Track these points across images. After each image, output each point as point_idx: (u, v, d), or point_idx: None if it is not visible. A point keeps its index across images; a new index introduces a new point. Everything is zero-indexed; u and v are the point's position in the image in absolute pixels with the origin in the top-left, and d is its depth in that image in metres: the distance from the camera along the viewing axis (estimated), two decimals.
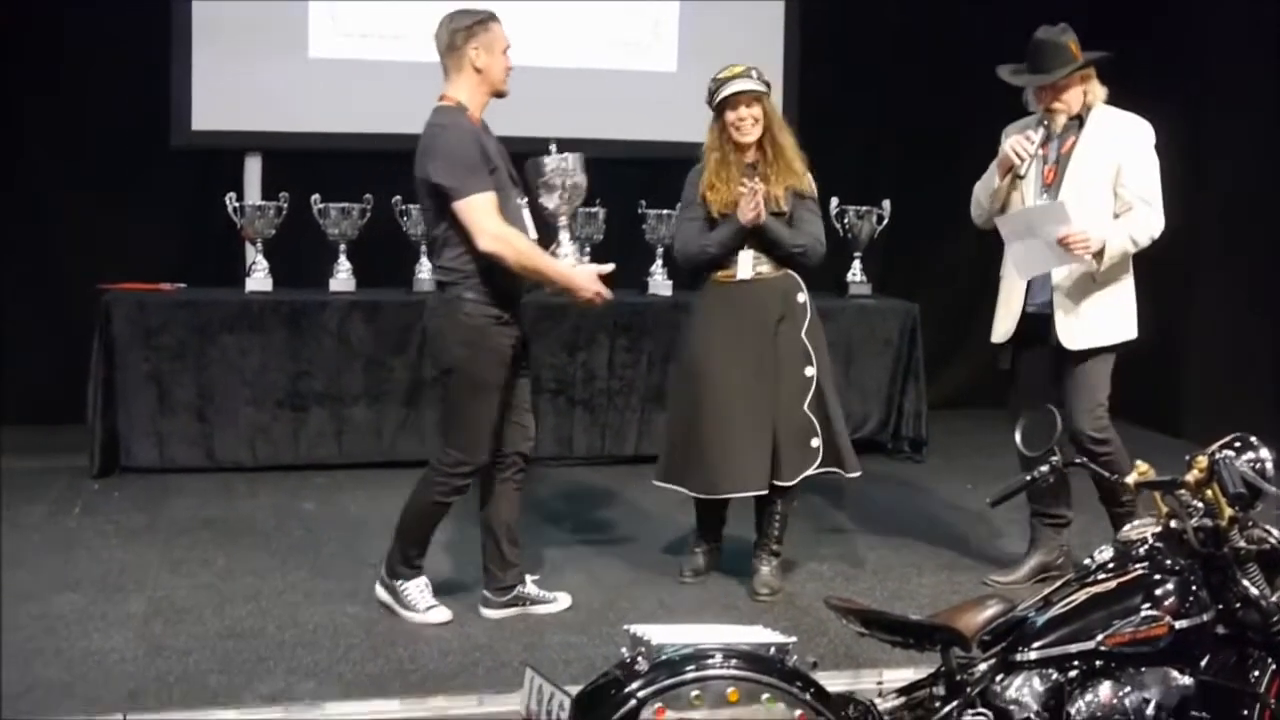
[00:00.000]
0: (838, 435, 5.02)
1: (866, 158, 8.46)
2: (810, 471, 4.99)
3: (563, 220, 4.71)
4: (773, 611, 4.86)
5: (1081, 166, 4.88)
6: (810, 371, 4.99)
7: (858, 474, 5.11)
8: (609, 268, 4.69)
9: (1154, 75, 8.32)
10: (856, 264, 7.48)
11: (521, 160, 4.68)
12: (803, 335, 5.00)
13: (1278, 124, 7.31)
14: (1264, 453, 2.92)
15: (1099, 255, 4.80)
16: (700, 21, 7.92)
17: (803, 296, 5.01)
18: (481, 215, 4.35)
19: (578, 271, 4.60)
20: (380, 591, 4.77)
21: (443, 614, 4.69)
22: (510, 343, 4.55)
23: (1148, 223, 4.88)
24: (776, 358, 4.96)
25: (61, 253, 7.42)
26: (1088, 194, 4.85)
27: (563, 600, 4.85)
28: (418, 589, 4.71)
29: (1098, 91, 4.94)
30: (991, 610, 2.91)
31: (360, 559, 5.31)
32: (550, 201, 4.69)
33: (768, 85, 4.97)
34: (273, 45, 7.49)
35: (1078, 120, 4.94)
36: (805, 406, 4.96)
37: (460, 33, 4.46)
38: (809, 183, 5.03)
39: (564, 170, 4.67)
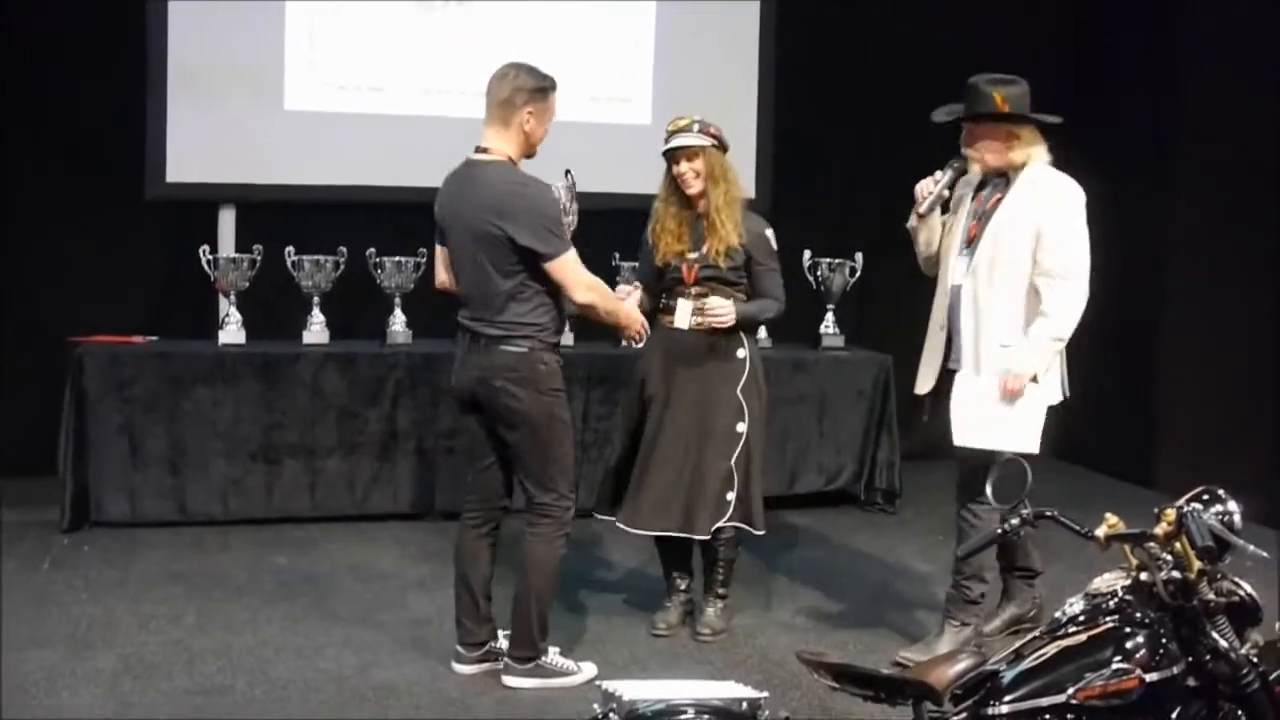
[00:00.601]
0: (754, 493, 5.09)
1: (840, 209, 8.51)
2: (721, 523, 5.03)
3: None
4: (745, 665, 4.86)
5: (1001, 226, 4.74)
6: (741, 427, 5.04)
7: (762, 533, 5.18)
8: (637, 294, 4.91)
9: (1121, 131, 8.46)
10: (830, 316, 7.50)
11: None
12: (738, 391, 5.04)
13: (1243, 178, 7.38)
14: (1231, 505, 2.93)
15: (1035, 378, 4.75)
16: (674, 75, 7.96)
17: (743, 352, 5.08)
18: (575, 270, 4.49)
19: (634, 310, 4.78)
20: (520, 681, 4.59)
21: (591, 667, 4.71)
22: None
23: (1065, 306, 4.69)
24: (708, 409, 5.02)
25: (33, 304, 7.38)
26: (1003, 255, 4.73)
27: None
28: (556, 654, 4.69)
29: (1034, 152, 4.78)
30: (963, 664, 2.90)
31: (332, 613, 5.29)
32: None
33: (716, 139, 5.03)
34: (248, 96, 7.49)
35: (1004, 178, 4.82)
36: (732, 460, 5.01)
37: (522, 93, 4.52)
38: (766, 239, 5.10)
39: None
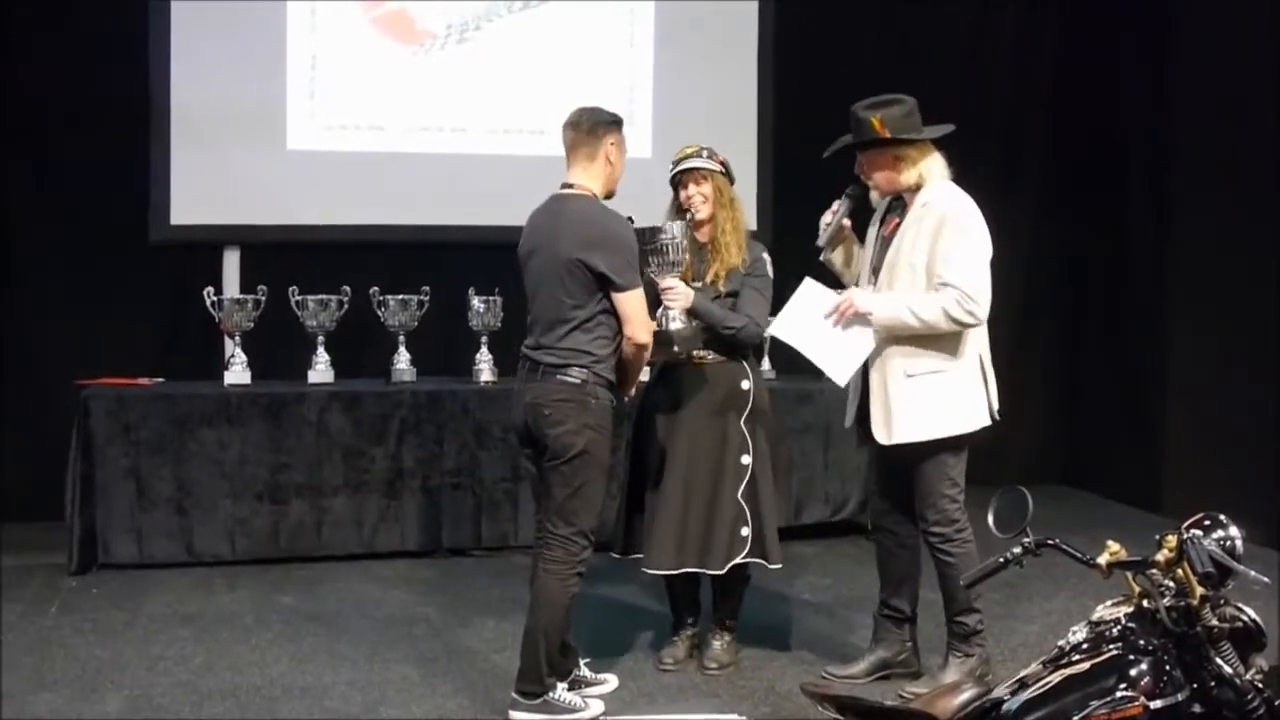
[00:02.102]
0: (766, 526, 5.04)
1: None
2: (738, 560, 5.00)
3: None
4: (753, 698, 4.85)
5: (898, 253, 4.68)
6: (746, 460, 5.02)
7: (779, 566, 5.13)
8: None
9: (1121, 157, 8.49)
10: None
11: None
12: (741, 423, 5.03)
13: (1248, 202, 7.40)
14: (1233, 530, 2.92)
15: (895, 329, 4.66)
16: (673, 109, 8.02)
17: (747, 384, 5.06)
18: (641, 308, 4.54)
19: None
20: (526, 715, 4.55)
21: (599, 704, 4.69)
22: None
23: (942, 302, 4.54)
24: (714, 443, 5.01)
25: (39, 347, 7.43)
26: (900, 283, 4.67)
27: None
28: (565, 690, 4.65)
29: (927, 171, 4.67)
30: (967, 694, 2.90)
31: (340, 653, 5.28)
32: (660, 270, 4.84)
33: (724, 166, 5.07)
34: (251, 138, 7.56)
35: (901, 200, 4.77)
36: (739, 495, 4.99)
37: (603, 125, 4.58)
38: (763, 262, 5.11)
39: (673, 239, 4.80)
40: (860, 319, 4.70)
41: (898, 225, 4.73)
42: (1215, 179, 7.65)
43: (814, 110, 8.29)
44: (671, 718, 4.45)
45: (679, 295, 4.85)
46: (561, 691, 4.62)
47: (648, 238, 4.75)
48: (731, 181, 5.12)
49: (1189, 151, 7.89)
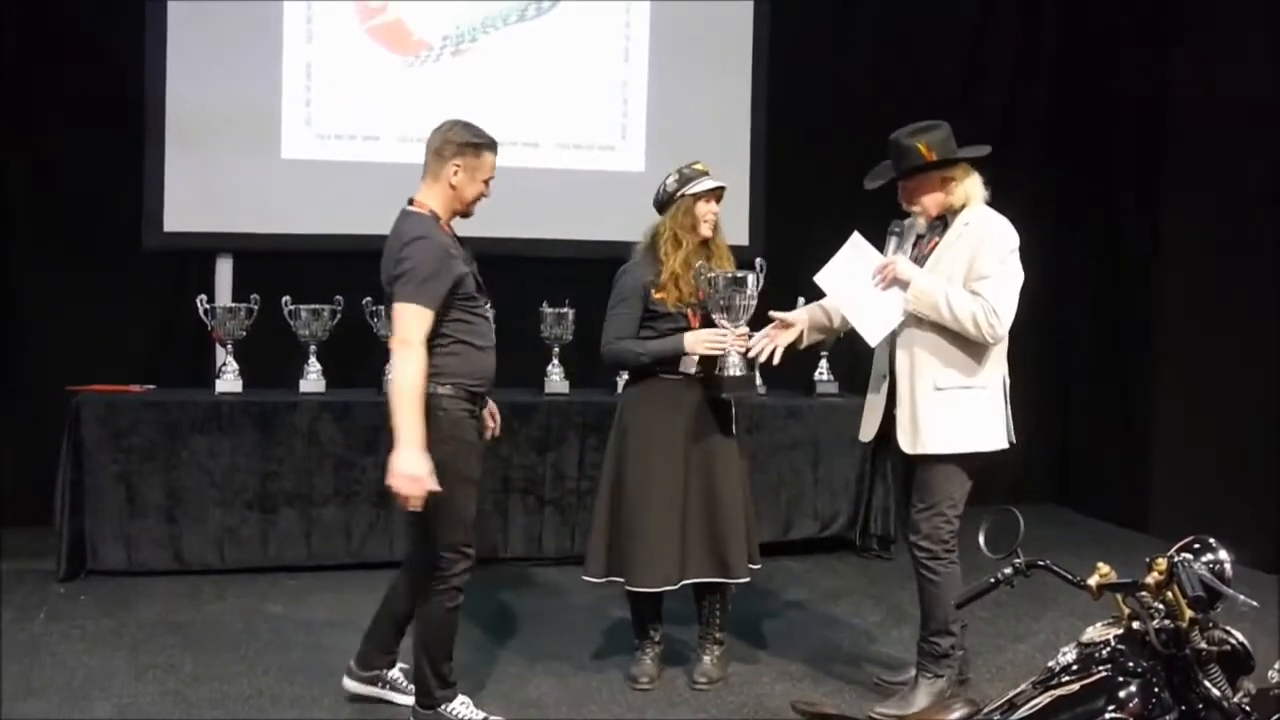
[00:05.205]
0: (754, 530, 5.19)
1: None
2: (752, 565, 5.11)
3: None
4: (741, 714, 4.86)
5: (937, 266, 4.74)
6: (740, 470, 5.13)
7: (759, 566, 5.24)
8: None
9: (1116, 174, 8.53)
10: (823, 363, 7.54)
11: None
12: (734, 429, 5.13)
13: (1241, 222, 7.44)
14: (1222, 554, 2.94)
15: (926, 304, 4.67)
16: (667, 123, 8.06)
17: (727, 395, 5.09)
18: (410, 324, 4.31)
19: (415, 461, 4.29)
20: None
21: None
22: (479, 436, 4.60)
23: (973, 306, 4.61)
24: (715, 452, 5.05)
25: (31, 353, 7.42)
26: None
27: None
28: (463, 705, 4.62)
29: (971, 192, 4.77)
30: (957, 714, 2.92)
31: (329, 663, 5.27)
32: (720, 318, 4.88)
33: None
34: (245, 146, 7.57)
35: (942, 222, 4.81)
36: (743, 501, 5.10)
37: (450, 145, 4.49)
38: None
39: (738, 290, 4.84)
40: (899, 285, 4.73)
41: (935, 245, 4.79)
42: (1208, 201, 7.69)
43: (808, 127, 8.39)
44: None
45: (745, 343, 4.92)
46: (455, 705, 4.60)
47: (724, 286, 4.82)
48: None
49: (1182, 169, 7.93)
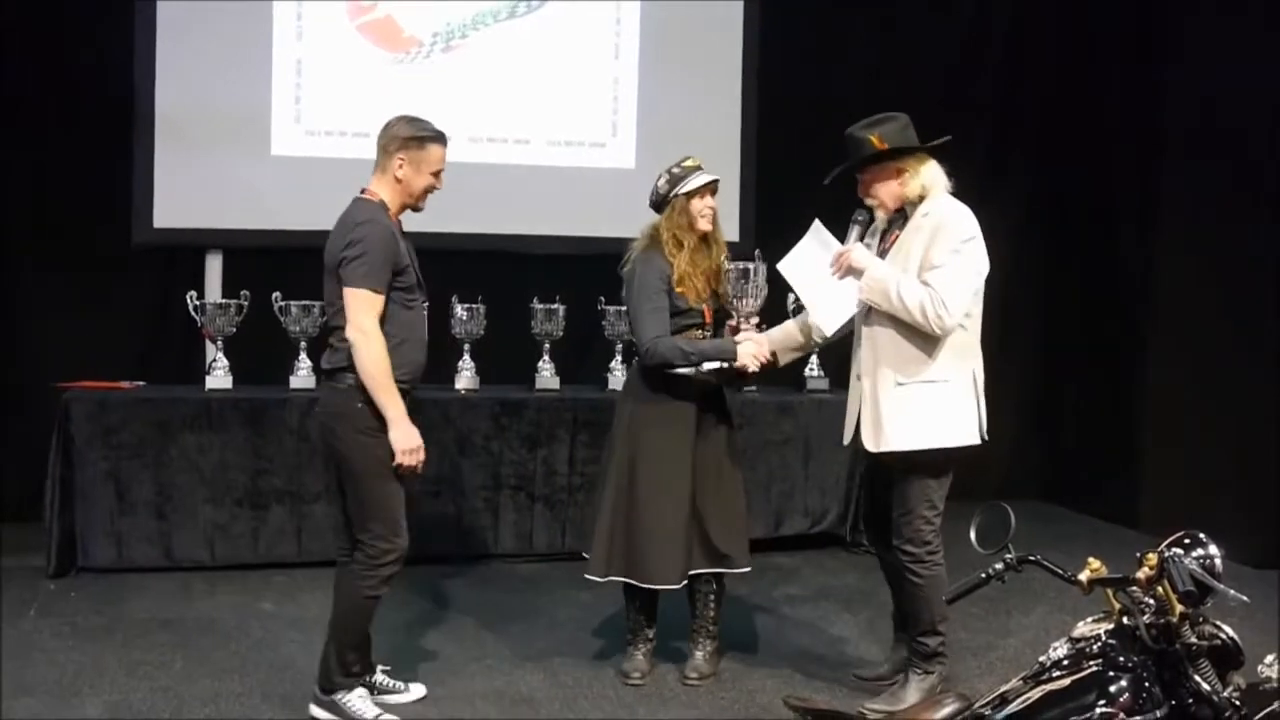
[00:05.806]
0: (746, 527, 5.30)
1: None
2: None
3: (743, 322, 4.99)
4: (733, 710, 4.87)
5: (895, 259, 4.70)
6: (738, 464, 5.20)
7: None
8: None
9: (1109, 173, 8.55)
10: (814, 359, 7.54)
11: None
12: (733, 425, 5.21)
13: (1234, 220, 7.47)
14: (1212, 549, 2.95)
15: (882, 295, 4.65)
16: (658, 120, 8.06)
17: (725, 391, 5.18)
18: (362, 309, 4.40)
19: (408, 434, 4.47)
20: (317, 711, 4.63)
21: (391, 716, 4.63)
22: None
23: (921, 295, 4.55)
24: (721, 446, 5.10)
25: (20, 350, 7.41)
26: None
27: (413, 692, 4.89)
28: (360, 699, 4.62)
29: (929, 182, 4.70)
30: (949, 709, 2.93)
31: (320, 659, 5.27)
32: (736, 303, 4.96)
33: None
34: (235, 142, 7.56)
35: (903, 214, 4.78)
36: (739, 498, 5.17)
37: (395, 140, 4.56)
38: None
39: (748, 275, 4.90)
40: (854, 274, 4.73)
41: (897, 239, 4.75)
42: (1199, 202, 7.71)
43: (798, 123, 8.38)
44: None
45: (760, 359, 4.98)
46: (352, 696, 4.60)
47: (736, 280, 4.94)
48: None
49: (1176, 171, 7.94)
